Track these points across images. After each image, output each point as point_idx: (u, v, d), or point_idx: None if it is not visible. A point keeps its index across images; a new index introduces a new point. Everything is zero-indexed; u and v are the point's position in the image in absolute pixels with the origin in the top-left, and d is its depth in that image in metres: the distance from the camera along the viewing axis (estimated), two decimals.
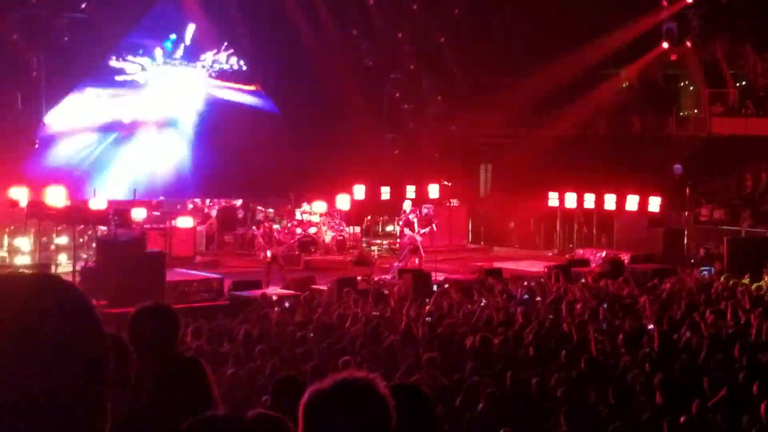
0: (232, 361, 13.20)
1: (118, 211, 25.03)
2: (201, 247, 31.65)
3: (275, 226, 29.24)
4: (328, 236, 32.54)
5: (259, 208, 37.01)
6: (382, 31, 42.54)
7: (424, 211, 33.71)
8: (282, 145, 41.06)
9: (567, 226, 34.54)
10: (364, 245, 33.45)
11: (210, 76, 39.96)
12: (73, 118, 36.35)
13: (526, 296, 20.91)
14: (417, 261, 28.58)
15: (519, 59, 39.96)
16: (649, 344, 14.65)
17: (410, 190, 37.18)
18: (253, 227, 33.44)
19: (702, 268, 27.87)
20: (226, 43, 39.37)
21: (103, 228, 24.35)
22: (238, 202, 38.46)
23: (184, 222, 31.29)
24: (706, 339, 15.01)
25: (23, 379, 1.82)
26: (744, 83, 40.62)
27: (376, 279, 25.52)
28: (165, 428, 4.12)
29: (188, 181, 38.86)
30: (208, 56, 39.54)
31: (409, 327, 15.92)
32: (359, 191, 35.57)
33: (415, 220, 30.23)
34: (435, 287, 23.04)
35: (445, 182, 38.79)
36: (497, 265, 28.29)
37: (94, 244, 23.81)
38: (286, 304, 20.31)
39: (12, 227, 27.25)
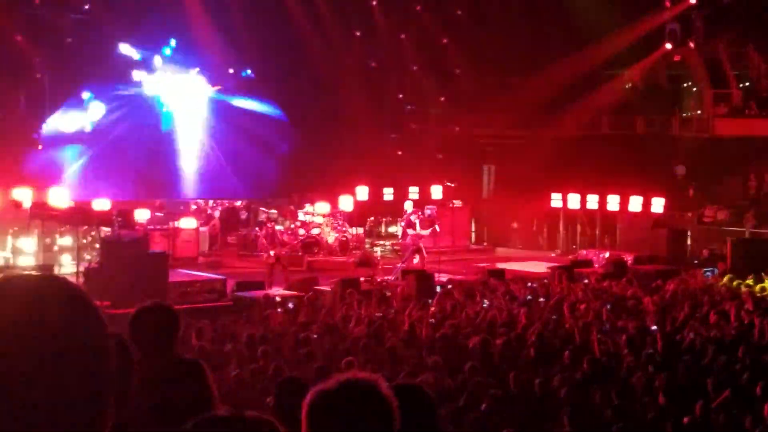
0: (236, 362, 13.20)
1: (122, 212, 25.05)
2: (204, 248, 31.65)
3: (278, 227, 29.23)
4: (331, 237, 32.54)
5: (262, 209, 37.01)
6: (385, 32, 42.53)
7: (427, 212, 33.70)
8: (285, 146, 41.10)
9: (570, 226, 34.54)
10: (367, 246, 33.44)
11: (209, 78, 39.96)
12: (75, 121, 36.35)
13: (529, 297, 20.90)
14: (419, 262, 28.57)
15: (522, 60, 39.95)
16: (652, 345, 14.64)
17: (413, 191, 37.18)
18: (256, 228, 33.46)
19: (705, 269, 27.85)
20: (227, 52, 39.33)
21: (106, 229, 24.36)
22: (238, 203, 38.47)
23: (187, 223, 31.31)
24: (710, 340, 15.00)
25: (27, 379, 1.83)
26: (747, 84, 40.59)
27: (379, 280, 25.50)
28: (166, 429, 4.11)
29: (191, 182, 38.88)
30: (207, 66, 39.60)
31: (413, 328, 15.92)
32: (362, 192, 35.57)
33: (417, 220, 30.23)
34: (438, 288, 23.02)
35: (448, 183, 38.78)
36: (500, 266, 28.27)
37: (97, 245, 23.81)
38: (290, 305, 20.30)
39: (15, 228, 27.26)
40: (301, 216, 33.41)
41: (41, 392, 1.83)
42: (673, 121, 40.39)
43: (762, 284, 23.24)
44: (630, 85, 42.57)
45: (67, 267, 24.35)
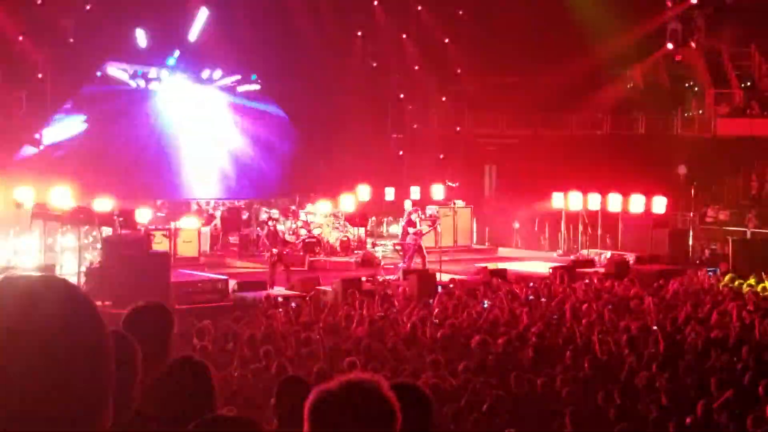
0: (238, 362, 13.19)
1: (123, 212, 25.03)
2: (205, 248, 31.65)
3: (280, 227, 29.22)
4: (332, 237, 32.53)
5: (264, 209, 37.00)
6: (386, 32, 42.53)
7: (429, 212, 33.69)
8: (286, 145, 41.11)
9: (572, 226, 34.51)
10: (368, 246, 33.43)
11: (212, 79, 39.99)
12: (78, 122, 36.40)
13: (530, 297, 20.89)
14: (420, 262, 28.57)
15: (524, 60, 39.94)
16: (654, 345, 14.63)
17: (414, 191, 37.17)
18: (257, 228, 33.45)
19: (707, 269, 27.83)
20: (230, 54, 39.34)
21: (107, 229, 24.36)
22: (238, 203, 38.46)
23: (189, 223, 31.31)
24: (712, 340, 15.00)
25: (27, 379, 1.83)
26: (749, 84, 40.59)
27: (380, 280, 25.49)
28: (169, 428, 4.11)
29: (192, 182, 38.90)
30: (216, 73, 39.64)
31: (414, 328, 15.91)
32: (363, 192, 35.54)
33: (418, 219, 30.22)
34: (439, 288, 23.01)
35: (450, 183, 38.77)
36: (502, 266, 28.26)
37: (99, 245, 23.82)
38: (292, 305, 20.29)
39: (17, 228, 27.27)
40: (302, 216, 33.40)
41: (40, 391, 1.84)
42: (675, 121, 40.40)
43: (763, 284, 23.22)
44: (632, 84, 42.60)
45: (68, 267, 24.34)
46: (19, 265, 24.82)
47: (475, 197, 38.49)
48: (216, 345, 14.56)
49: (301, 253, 30.58)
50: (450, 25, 42.51)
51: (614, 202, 32.44)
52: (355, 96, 40.55)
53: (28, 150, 34.79)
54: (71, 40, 35.75)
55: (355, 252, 32.27)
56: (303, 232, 32.01)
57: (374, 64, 43.15)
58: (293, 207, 35.58)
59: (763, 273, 24.31)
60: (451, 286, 23.02)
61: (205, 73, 39.49)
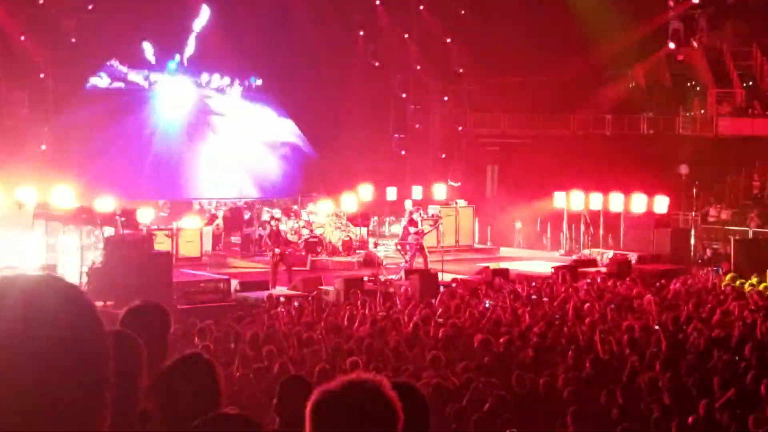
0: (240, 362, 13.19)
1: (125, 212, 25.03)
2: (207, 248, 31.66)
3: (282, 227, 29.21)
4: (334, 237, 32.52)
5: (266, 208, 37.00)
6: (388, 32, 42.54)
7: (431, 212, 33.69)
8: (289, 145, 41.12)
9: (574, 226, 34.49)
10: (370, 246, 33.43)
11: (214, 79, 40.02)
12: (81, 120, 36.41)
13: (533, 297, 20.88)
14: (422, 261, 28.58)
15: (526, 60, 39.91)
16: (656, 345, 14.62)
17: (416, 191, 37.19)
18: (260, 228, 33.45)
19: (709, 269, 27.82)
20: (232, 53, 39.36)
21: (110, 229, 24.35)
22: (240, 202, 38.47)
23: (191, 223, 31.31)
24: (714, 339, 14.99)
25: (25, 377, 1.83)
26: (751, 83, 40.57)
27: (382, 279, 25.49)
28: (176, 425, 4.12)
29: (194, 182, 38.92)
30: (215, 77, 39.67)
31: (416, 328, 15.91)
32: (366, 191, 35.54)
33: (420, 219, 30.22)
34: (441, 288, 23.00)
35: (452, 182, 38.77)
36: (504, 265, 28.26)
37: (101, 245, 23.82)
38: (295, 304, 20.30)
39: (19, 228, 27.26)
40: (304, 215, 33.40)
41: (39, 391, 1.84)
42: (677, 121, 40.37)
43: (765, 283, 23.21)
44: (633, 84, 42.57)
45: (70, 267, 24.33)
46: (21, 265, 24.80)
47: (477, 197, 38.50)
48: (218, 345, 14.56)
49: (303, 253, 30.59)
50: (452, 25, 42.51)
51: (616, 201, 32.42)
52: (358, 96, 40.56)
53: (31, 149, 34.79)
54: (73, 40, 35.77)
55: (357, 252, 32.27)
56: (305, 231, 32.00)
57: (376, 64, 43.16)
58: (295, 207, 35.59)
59: (765, 272, 24.30)
60: (454, 285, 23.00)
61: (204, 77, 39.49)
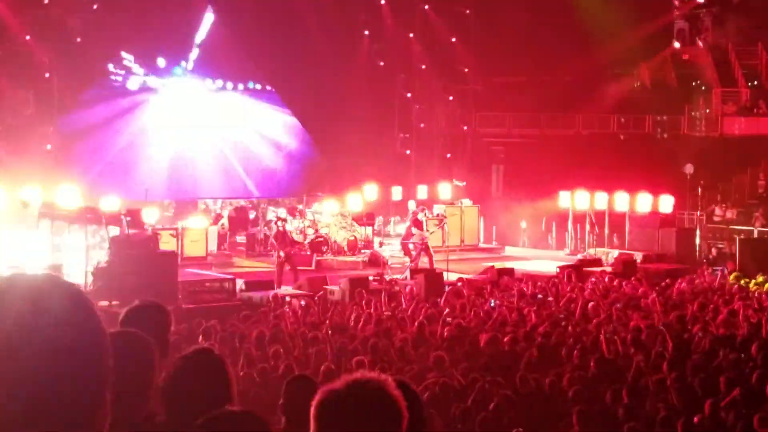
0: (245, 362, 13.20)
1: (130, 212, 25.04)
2: (212, 248, 31.65)
3: (287, 227, 29.19)
4: (339, 236, 32.51)
5: (271, 208, 37.02)
6: (393, 32, 42.55)
7: (436, 211, 33.68)
8: (293, 145, 41.13)
9: (579, 226, 34.47)
10: (375, 245, 33.43)
11: (219, 78, 40.04)
12: (86, 120, 36.43)
13: (538, 296, 20.88)
14: (428, 261, 28.58)
15: (530, 60, 39.93)
16: (662, 344, 14.61)
17: (421, 190, 37.17)
18: (265, 227, 33.45)
19: (714, 268, 27.80)
20: (237, 53, 39.39)
21: (115, 228, 24.36)
22: (242, 202, 38.45)
23: (196, 222, 31.32)
24: (719, 339, 14.98)
25: (27, 377, 1.84)
26: (756, 83, 40.53)
27: (388, 279, 25.50)
28: (185, 421, 4.13)
29: (200, 181, 38.93)
30: (216, 66, 39.69)
31: (422, 327, 15.91)
32: (371, 191, 35.54)
33: (425, 219, 30.21)
34: (447, 287, 22.99)
35: (457, 182, 38.76)
36: (509, 265, 28.24)
37: (106, 245, 23.83)
38: (301, 304, 20.30)
39: (24, 228, 27.29)
40: (309, 215, 33.40)
41: (38, 391, 1.85)
42: (682, 120, 40.35)
43: None
44: (639, 84, 42.55)
45: (75, 267, 24.35)
46: (26, 265, 24.84)
47: (482, 196, 38.49)
48: (223, 345, 14.56)
49: (308, 253, 30.59)
50: (457, 24, 42.50)
51: (621, 201, 32.39)
52: (362, 95, 40.56)
53: (36, 149, 34.82)
54: (78, 39, 35.80)
55: (363, 251, 32.26)
56: (310, 231, 32.00)
57: (381, 64, 43.17)
58: (300, 206, 35.58)
59: None
60: (459, 285, 23.00)
61: (209, 77, 39.53)
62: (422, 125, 44.69)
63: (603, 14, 37.61)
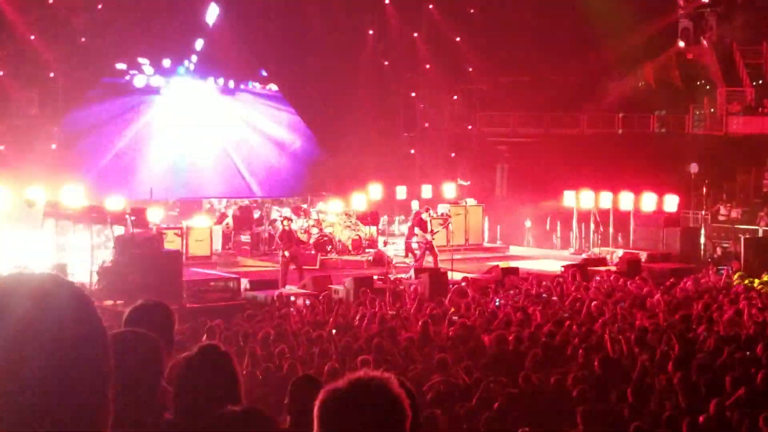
0: (249, 361, 13.21)
1: (135, 211, 25.06)
2: (217, 247, 31.67)
3: (293, 226, 29.17)
4: (344, 236, 32.52)
5: (275, 207, 37.05)
6: (398, 31, 42.55)
7: (440, 210, 33.68)
8: (298, 144, 41.14)
9: (583, 225, 34.45)
10: (380, 245, 33.43)
11: (224, 77, 40.07)
12: (91, 119, 36.48)
13: (543, 295, 20.87)
14: (432, 260, 28.59)
15: (535, 59, 39.92)
16: (667, 344, 14.60)
17: (426, 189, 37.16)
18: (269, 227, 33.46)
19: (719, 267, 27.78)
20: (241, 52, 39.43)
21: (120, 228, 24.39)
22: (245, 201, 38.47)
23: (201, 222, 31.33)
24: (724, 338, 14.96)
25: (29, 375, 1.84)
26: (761, 81, 40.49)
27: (392, 278, 25.49)
28: (193, 417, 4.14)
29: (205, 181, 38.96)
30: (221, 66, 39.73)
31: (426, 326, 15.91)
32: (375, 190, 35.53)
33: (429, 219, 30.20)
34: (451, 287, 22.98)
35: (461, 181, 38.75)
36: (514, 264, 28.23)
37: (111, 244, 23.86)
38: (306, 303, 20.31)
39: (29, 227, 27.31)
40: (314, 214, 33.41)
41: (40, 389, 1.85)
42: (687, 119, 40.32)
43: None
44: (643, 83, 42.52)
45: (80, 266, 24.38)
46: (31, 264, 24.87)
47: (486, 196, 38.48)
48: (228, 344, 14.57)
49: (313, 252, 30.59)
50: (461, 23, 42.50)
51: (626, 200, 32.37)
52: (367, 94, 40.58)
53: (41, 148, 34.87)
54: (83, 39, 35.84)
55: (367, 251, 32.26)
56: (315, 231, 32.00)
57: (386, 63, 43.17)
58: (305, 206, 35.60)
59: None
60: (463, 284, 23.00)
61: (213, 77, 39.55)
62: (427, 125, 44.69)
63: (607, 14, 37.58)
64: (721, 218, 35.65)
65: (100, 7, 36.25)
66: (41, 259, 24.93)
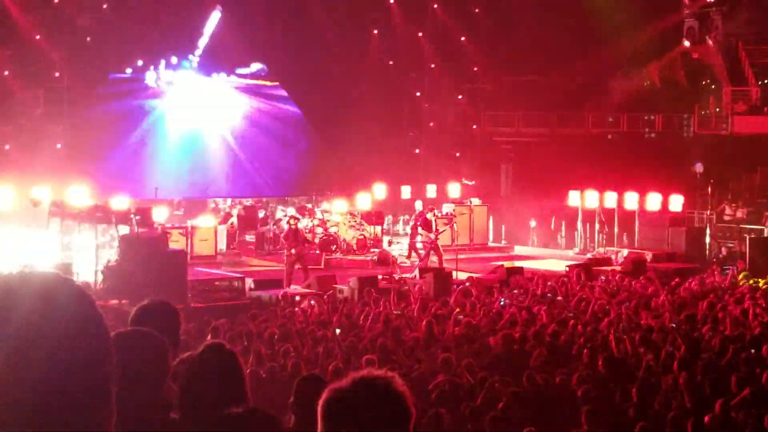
0: (254, 360, 13.21)
1: (140, 211, 25.08)
2: (222, 247, 31.69)
3: (299, 226, 29.15)
4: (348, 235, 32.52)
5: (280, 207, 37.08)
6: (403, 30, 42.54)
7: (445, 210, 33.68)
8: (303, 144, 41.14)
9: (588, 225, 34.43)
10: (384, 244, 33.44)
11: (228, 76, 40.09)
12: (97, 119, 36.51)
13: (548, 295, 20.85)
14: (437, 260, 28.60)
15: (540, 58, 39.90)
16: (672, 343, 14.59)
17: (431, 189, 37.16)
18: (274, 226, 33.48)
19: (724, 267, 27.74)
20: (246, 51, 39.45)
21: (125, 227, 24.42)
22: (248, 201, 38.49)
23: (205, 221, 31.35)
24: (729, 338, 14.94)
25: (33, 373, 1.85)
26: (766, 81, 40.43)
27: (397, 278, 25.49)
28: (198, 416, 4.15)
29: (209, 180, 38.98)
30: (226, 65, 39.75)
31: (431, 326, 15.90)
32: (380, 190, 35.53)
33: (434, 219, 30.21)
34: (456, 286, 22.98)
35: (466, 181, 38.75)
36: (518, 264, 28.22)
37: (116, 244, 23.88)
38: (311, 303, 20.32)
39: (34, 226, 27.35)
40: (318, 214, 33.43)
41: (43, 388, 1.85)
42: (692, 119, 40.26)
43: None
44: (648, 82, 42.48)
45: (85, 265, 24.41)
46: (36, 264, 24.90)
47: (491, 195, 38.47)
48: (232, 344, 14.57)
49: (318, 252, 30.60)
50: (466, 23, 42.49)
51: (631, 200, 32.36)
52: (372, 94, 40.57)
53: (46, 148, 34.90)
54: (88, 39, 35.88)
55: (372, 250, 32.26)
56: (319, 230, 32.01)
57: (390, 63, 43.17)
58: (309, 205, 35.61)
59: None
60: (467, 284, 22.99)
61: (219, 76, 39.57)
62: (431, 124, 44.68)
63: (612, 13, 37.56)
64: (726, 218, 35.56)
65: (105, 6, 36.30)
66: (46, 258, 24.96)
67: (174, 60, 38.41)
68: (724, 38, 40.98)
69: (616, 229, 33.25)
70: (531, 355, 13.88)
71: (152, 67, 38.08)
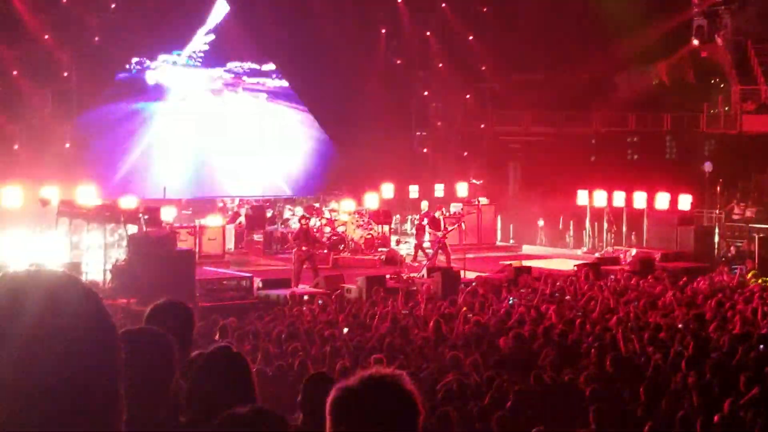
0: (262, 359, 13.22)
1: (148, 210, 25.11)
2: (230, 246, 31.72)
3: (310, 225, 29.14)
4: (356, 235, 32.52)
5: (288, 206, 37.09)
6: (410, 30, 42.54)
7: (453, 209, 33.66)
8: (310, 143, 41.16)
9: (596, 224, 34.38)
10: (392, 244, 33.43)
11: (236, 76, 40.12)
12: (105, 118, 36.56)
13: (556, 294, 20.83)
14: (445, 259, 28.59)
15: (548, 57, 39.87)
16: (680, 343, 14.56)
17: (438, 189, 37.14)
18: (281, 226, 33.49)
19: (733, 266, 27.69)
20: (253, 50, 39.49)
21: (133, 227, 24.46)
22: (254, 202, 38.53)
23: (214, 220, 31.38)
24: (737, 338, 14.91)
25: (42, 372, 1.84)
26: None
27: (405, 277, 25.48)
28: (205, 420, 4.15)
29: (217, 179, 39.01)
30: (233, 65, 39.77)
31: (439, 325, 15.90)
32: (387, 189, 35.54)
33: (442, 218, 30.20)
34: (464, 285, 22.97)
35: (474, 180, 38.73)
36: (527, 263, 28.19)
37: (124, 243, 23.93)
38: (319, 302, 20.33)
39: (43, 226, 27.41)
40: (326, 213, 33.43)
41: (59, 382, 1.85)
42: (701, 118, 40.19)
43: None
44: (657, 81, 42.43)
45: (94, 265, 24.46)
46: (45, 263, 24.94)
47: (499, 195, 38.45)
48: (240, 342, 14.59)
49: (326, 251, 30.60)
50: (474, 22, 42.47)
51: (639, 199, 32.29)
52: (379, 93, 40.56)
53: (55, 147, 34.96)
54: (96, 39, 35.94)
55: (380, 250, 32.26)
56: (327, 230, 32.03)
57: (398, 62, 43.17)
58: (317, 205, 35.62)
59: None
60: (474, 284, 22.98)
61: (226, 76, 39.59)
62: (439, 123, 44.67)
63: (621, 12, 37.51)
64: (735, 217, 35.50)
65: (113, 6, 36.36)
66: (55, 257, 25.00)
67: (180, 60, 38.43)
68: (733, 37, 40.91)
69: (624, 228, 33.20)
70: (539, 354, 13.87)
71: (159, 66, 38.11)
